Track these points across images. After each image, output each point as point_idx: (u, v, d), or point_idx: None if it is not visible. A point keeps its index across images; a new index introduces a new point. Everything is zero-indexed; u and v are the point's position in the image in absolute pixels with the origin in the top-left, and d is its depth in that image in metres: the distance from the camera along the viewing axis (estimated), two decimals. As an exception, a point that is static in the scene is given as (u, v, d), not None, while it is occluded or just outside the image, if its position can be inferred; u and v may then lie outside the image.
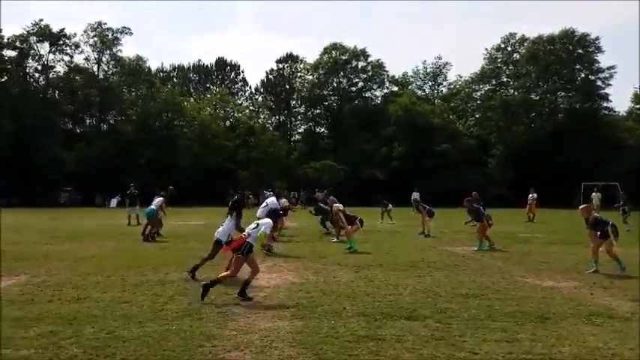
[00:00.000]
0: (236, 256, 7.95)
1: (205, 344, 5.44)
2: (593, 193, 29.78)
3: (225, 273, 8.05)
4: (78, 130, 55.83)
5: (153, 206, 16.58)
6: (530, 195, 25.92)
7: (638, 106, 54.77)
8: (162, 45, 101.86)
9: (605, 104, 54.04)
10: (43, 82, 52.66)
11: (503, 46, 58.76)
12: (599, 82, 53.20)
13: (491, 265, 11.21)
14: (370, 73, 61.53)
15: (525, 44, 56.58)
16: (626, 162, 45.26)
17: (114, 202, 42.16)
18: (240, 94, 69.46)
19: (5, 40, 49.70)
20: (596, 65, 52.79)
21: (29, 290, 8.17)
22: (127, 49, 67.20)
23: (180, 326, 6.09)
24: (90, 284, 8.64)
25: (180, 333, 5.82)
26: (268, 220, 8.66)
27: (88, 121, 56.88)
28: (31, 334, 5.75)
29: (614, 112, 55.07)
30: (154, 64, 76.41)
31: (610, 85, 52.79)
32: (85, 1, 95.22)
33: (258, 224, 8.31)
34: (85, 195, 47.14)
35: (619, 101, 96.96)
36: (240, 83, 70.36)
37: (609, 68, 52.45)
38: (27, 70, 51.65)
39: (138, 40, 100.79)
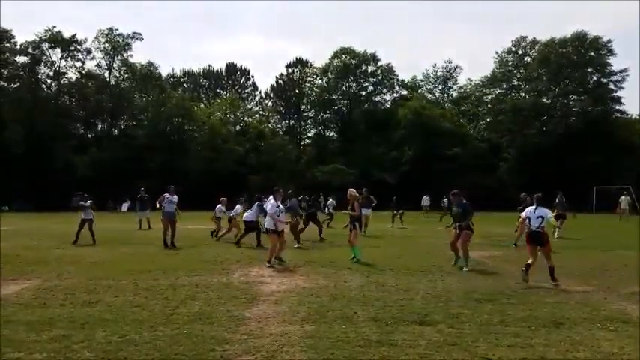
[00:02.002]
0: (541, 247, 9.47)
1: (216, 348, 5.43)
2: (622, 197, 29.41)
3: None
4: (89, 136, 56.38)
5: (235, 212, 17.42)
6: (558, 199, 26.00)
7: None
8: (172, 50, 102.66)
9: (617, 107, 53.74)
10: (55, 88, 53.21)
11: (514, 49, 58.59)
12: (611, 85, 52.89)
13: (504, 269, 11.11)
14: (380, 77, 61.66)
15: (537, 47, 56.34)
16: (639, 165, 44.84)
17: (125, 206, 42.41)
18: (250, 98, 69.90)
19: (18, 47, 50.38)
20: (609, 68, 52.49)
21: (41, 294, 8.22)
22: (138, 55, 67.77)
23: (192, 330, 6.09)
24: (102, 288, 8.68)
25: (191, 337, 5.82)
26: (546, 210, 9.70)
27: (99, 126, 57.45)
28: (43, 338, 5.78)
29: (627, 114, 54.69)
30: (164, 70, 76.93)
31: (622, 88, 52.57)
32: (95, 7, 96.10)
33: (542, 217, 9.47)
34: (96, 200, 47.43)
35: (631, 104, 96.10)
36: (250, 88, 70.79)
37: (621, 71, 52.20)
38: (39, 77, 52.22)
39: (149, 45, 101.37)
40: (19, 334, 5.95)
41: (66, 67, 52.53)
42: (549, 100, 55.87)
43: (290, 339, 5.77)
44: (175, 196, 15.75)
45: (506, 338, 5.84)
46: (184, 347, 5.46)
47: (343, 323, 6.44)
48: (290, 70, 64.80)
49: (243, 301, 7.74)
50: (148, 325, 6.33)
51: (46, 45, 50.60)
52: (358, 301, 7.72)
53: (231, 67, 71.16)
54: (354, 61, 60.65)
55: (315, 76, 63.89)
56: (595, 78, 53.63)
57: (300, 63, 64.49)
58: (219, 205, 18.54)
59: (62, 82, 53.04)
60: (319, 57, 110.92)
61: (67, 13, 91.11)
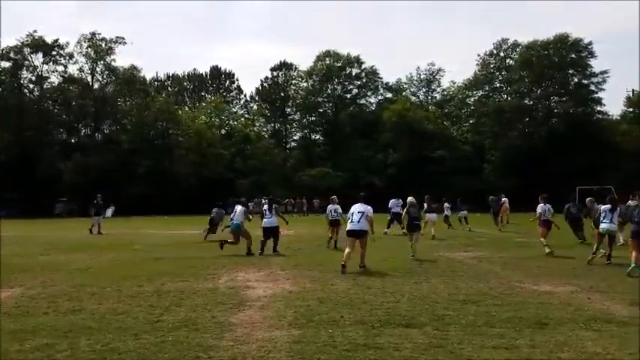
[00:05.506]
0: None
1: (202, 355, 5.39)
2: None
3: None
4: (73, 141, 55.82)
5: (236, 221, 14.47)
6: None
7: (630, 109, 55.20)
8: (157, 54, 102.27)
9: (598, 108, 54.62)
10: (37, 93, 52.65)
11: (495, 52, 59.22)
12: (592, 87, 53.69)
13: (489, 270, 11.20)
14: (364, 80, 61.96)
15: (518, 49, 57.02)
16: (621, 164, 45.49)
17: (109, 212, 41.97)
18: (234, 102, 69.75)
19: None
20: (590, 70, 53.31)
21: (24, 302, 8.10)
22: (122, 59, 67.09)
23: (177, 337, 6.03)
24: (85, 296, 8.58)
25: (176, 344, 5.77)
26: None
27: (83, 131, 56.91)
28: (26, 347, 5.69)
29: (608, 115, 55.59)
30: (148, 74, 76.49)
31: (603, 89, 53.45)
32: (80, 13, 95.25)
33: None
34: (81, 205, 47.03)
35: (611, 104, 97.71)
36: (234, 91, 70.65)
37: (602, 73, 53.03)
38: (21, 82, 51.66)
39: (133, 49, 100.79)
40: (2, 343, 5.85)
41: (48, 72, 52.11)
42: (531, 102, 56.57)
43: (277, 344, 5.75)
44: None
45: (492, 339, 5.87)
46: (169, 355, 5.41)
47: (330, 327, 6.43)
48: (275, 74, 64.91)
49: (230, 306, 7.69)
50: (132, 332, 6.26)
51: (28, 50, 50.09)
52: (345, 305, 7.71)
53: (215, 71, 71.00)
54: (338, 64, 60.91)
55: (300, 79, 64.04)
56: (576, 80, 54.45)
57: (284, 66, 64.59)
58: (331, 205, 15.57)
59: (45, 87, 52.51)
60: (304, 60, 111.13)
61: (53, 18, 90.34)
